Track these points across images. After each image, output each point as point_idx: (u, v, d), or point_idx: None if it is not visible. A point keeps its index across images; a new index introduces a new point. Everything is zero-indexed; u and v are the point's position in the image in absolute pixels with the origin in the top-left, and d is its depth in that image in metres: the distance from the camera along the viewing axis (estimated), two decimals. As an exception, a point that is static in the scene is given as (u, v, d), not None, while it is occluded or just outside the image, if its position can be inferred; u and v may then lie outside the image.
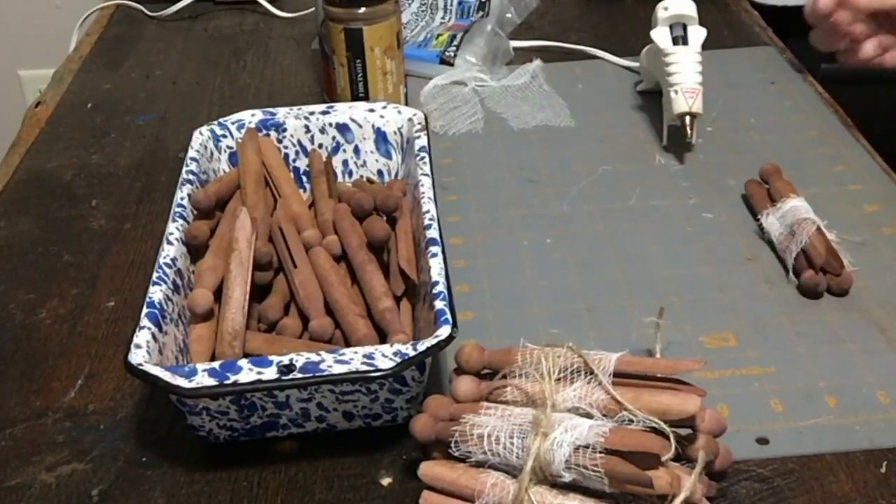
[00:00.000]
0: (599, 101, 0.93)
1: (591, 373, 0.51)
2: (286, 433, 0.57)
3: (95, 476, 0.56)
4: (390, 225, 0.65)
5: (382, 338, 0.58)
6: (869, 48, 0.79)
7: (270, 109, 0.75)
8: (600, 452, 0.46)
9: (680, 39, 0.83)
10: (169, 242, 0.61)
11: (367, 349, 0.52)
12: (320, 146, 0.74)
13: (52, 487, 0.56)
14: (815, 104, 0.90)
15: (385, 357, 0.51)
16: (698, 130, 0.83)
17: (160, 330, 0.55)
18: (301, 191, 0.72)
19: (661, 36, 0.84)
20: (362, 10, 0.83)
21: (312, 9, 1.06)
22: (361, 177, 0.74)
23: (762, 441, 0.56)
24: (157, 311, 0.56)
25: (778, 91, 0.93)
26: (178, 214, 0.63)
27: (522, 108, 0.92)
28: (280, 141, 0.74)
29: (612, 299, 0.67)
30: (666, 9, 0.85)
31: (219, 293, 0.60)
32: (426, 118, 0.73)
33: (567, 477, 0.47)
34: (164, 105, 0.97)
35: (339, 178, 0.74)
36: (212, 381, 0.50)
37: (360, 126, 0.74)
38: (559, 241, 0.73)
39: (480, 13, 1.05)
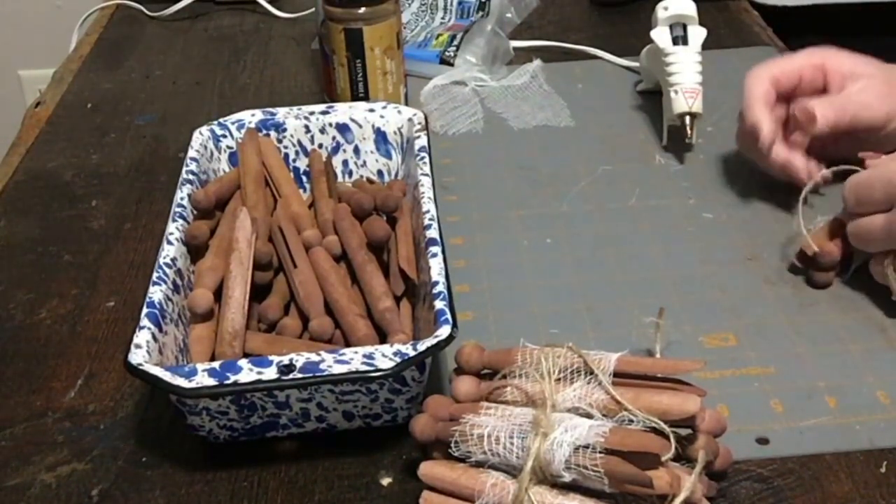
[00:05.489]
0: (599, 101, 0.93)
1: (591, 373, 0.51)
2: (286, 433, 0.57)
3: (95, 476, 0.56)
4: (390, 225, 0.65)
5: (382, 338, 0.58)
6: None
7: (270, 109, 0.75)
8: (600, 452, 0.46)
9: (680, 39, 0.83)
10: (169, 242, 0.61)
11: (367, 349, 0.52)
12: (320, 146, 0.74)
13: (52, 487, 0.56)
14: (815, 104, 0.90)
15: (385, 357, 0.51)
16: (698, 130, 0.83)
17: (160, 330, 0.55)
18: (301, 191, 0.72)
19: (661, 36, 0.84)
20: (362, 10, 0.83)
21: (312, 9, 1.06)
22: (361, 177, 0.74)
23: (762, 441, 0.56)
24: (157, 311, 0.56)
25: (778, 91, 0.93)
26: (178, 214, 0.63)
27: (522, 108, 0.92)
28: (280, 141, 0.74)
29: (612, 299, 0.67)
30: (666, 9, 0.85)
31: (219, 293, 0.60)
32: (426, 118, 0.73)
33: (567, 477, 0.47)
34: (164, 105, 0.97)
35: (339, 178, 0.74)
36: (212, 381, 0.50)
37: (360, 126, 0.74)
38: (559, 241, 0.73)
39: (480, 13, 1.05)
